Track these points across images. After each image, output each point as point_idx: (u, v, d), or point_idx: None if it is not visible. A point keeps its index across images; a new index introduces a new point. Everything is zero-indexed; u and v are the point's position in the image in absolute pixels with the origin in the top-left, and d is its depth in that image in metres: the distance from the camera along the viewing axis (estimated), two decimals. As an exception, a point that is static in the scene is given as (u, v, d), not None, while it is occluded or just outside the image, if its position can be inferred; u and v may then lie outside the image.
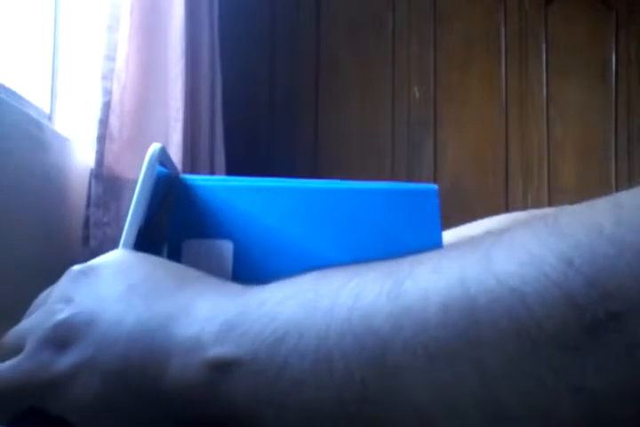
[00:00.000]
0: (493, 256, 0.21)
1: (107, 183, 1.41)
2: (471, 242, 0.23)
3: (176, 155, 1.45)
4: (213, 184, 0.40)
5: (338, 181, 0.43)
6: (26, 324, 0.29)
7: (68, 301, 0.29)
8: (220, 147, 1.81)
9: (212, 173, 1.72)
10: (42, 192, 1.20)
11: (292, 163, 2.19)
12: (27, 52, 1.35)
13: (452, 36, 2.33)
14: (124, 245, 0.35)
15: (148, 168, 0.37)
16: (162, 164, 0.42)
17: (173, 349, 0.26)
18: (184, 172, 1.45)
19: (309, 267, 0.40)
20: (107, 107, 1.38)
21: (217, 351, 0.25)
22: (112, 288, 0.29)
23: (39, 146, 1.18)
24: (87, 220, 1.40)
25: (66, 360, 0.26)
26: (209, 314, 0.26)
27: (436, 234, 0.43)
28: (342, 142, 2.25)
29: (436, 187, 0.43)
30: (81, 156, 1.42)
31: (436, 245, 0.42)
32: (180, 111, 1.48)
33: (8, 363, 0.28)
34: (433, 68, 2.32)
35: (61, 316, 0.27)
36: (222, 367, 0.24)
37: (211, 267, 0.36)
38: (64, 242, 1.35)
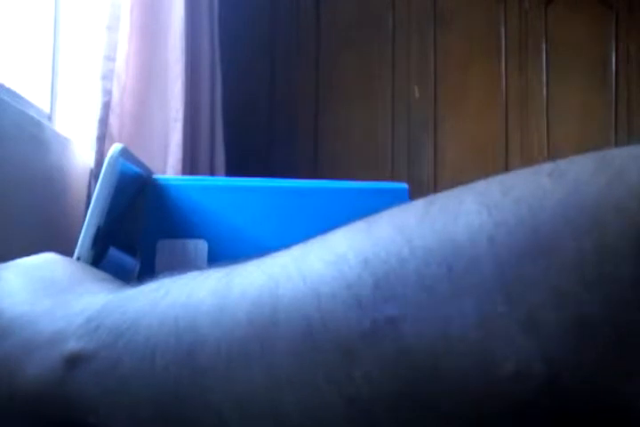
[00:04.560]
0: (309, 254, 0.20)
1: (107, 183, 1.41)
2: (306, 241, 0.22)
3: (176, 155, 1.45)
4: (186, 184, 0.40)
5: (311, 181, 0.44)
6: None
7: None
8: (219, 147, 1.81)
9: (212, 173, 1.72)
10: (42, 192, 1.20)
11: (292, 163, 2.19)
12: (27, 52, 1.35)
13: (452, 36, 2.33)
14: (81, 247, 0.35)
15: (107, 168, 0.37)
16: (134, 163, 0.42)
17: (38, 343, 0.24)
18: (184, 172, 1.45)
19: None
20: (107, 107, 1.38)
21: (73, 345, 0.23)
22: (9, 286, 0.28)
23: (39, 146, 1.18)
24: (87, 220, 1.40)
25: None
26: (79, 309, 0.24)
27: None
28: (342, 142, 2.25)
29: (406, 186, 0.44)
30: (81, 156, 1.42)
31: None
32: (179, 111, 1.48)
33: None
34: (433, 68, 2.32)
35: None
36: (73, 363, 0.23)
37: (186, 266, 0.36)
38: (64, 242, 1.35)
